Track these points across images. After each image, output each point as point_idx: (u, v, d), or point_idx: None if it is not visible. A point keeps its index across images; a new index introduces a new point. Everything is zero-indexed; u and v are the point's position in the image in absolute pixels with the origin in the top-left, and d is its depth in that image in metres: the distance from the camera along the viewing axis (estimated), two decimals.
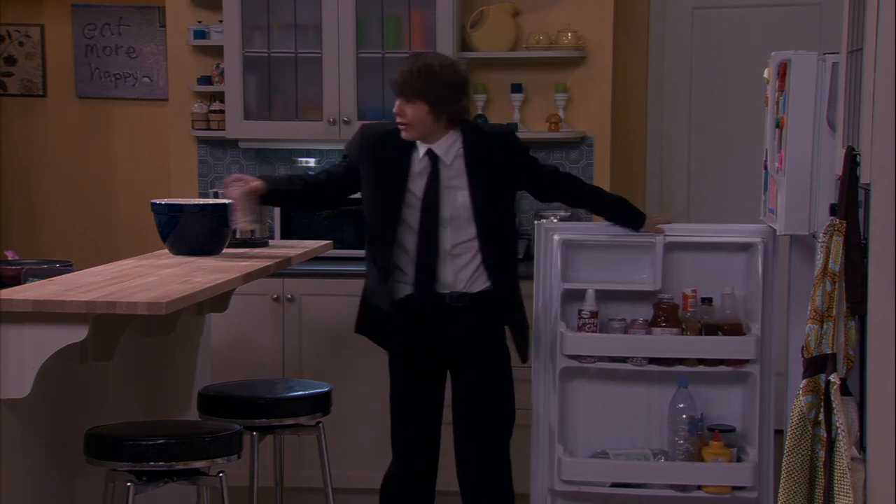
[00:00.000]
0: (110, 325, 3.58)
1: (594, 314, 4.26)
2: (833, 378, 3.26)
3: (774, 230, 4.15)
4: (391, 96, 5.47)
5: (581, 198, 4.36)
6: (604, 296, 4.37)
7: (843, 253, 3.24)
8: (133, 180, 6.58)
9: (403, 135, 4.03)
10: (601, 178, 5.74)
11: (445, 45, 5.45)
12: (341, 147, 5.71)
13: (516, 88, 5.70)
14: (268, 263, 4.17)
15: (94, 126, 6.62)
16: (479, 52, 5.66)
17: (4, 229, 6.59)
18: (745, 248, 4.37)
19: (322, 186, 4.21)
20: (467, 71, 4.12)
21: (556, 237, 4.32)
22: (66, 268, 4.22)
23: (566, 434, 4.41)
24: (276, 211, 5.54)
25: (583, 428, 4.46)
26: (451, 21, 5.45)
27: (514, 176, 4.14)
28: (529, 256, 5.32)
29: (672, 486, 4.33)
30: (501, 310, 4.13)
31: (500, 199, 4.11)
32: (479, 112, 5.73)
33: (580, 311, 4.31)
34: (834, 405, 3.25)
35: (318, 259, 5.03)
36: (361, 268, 5.29)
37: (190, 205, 4.26)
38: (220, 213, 4.26)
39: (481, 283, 4.08)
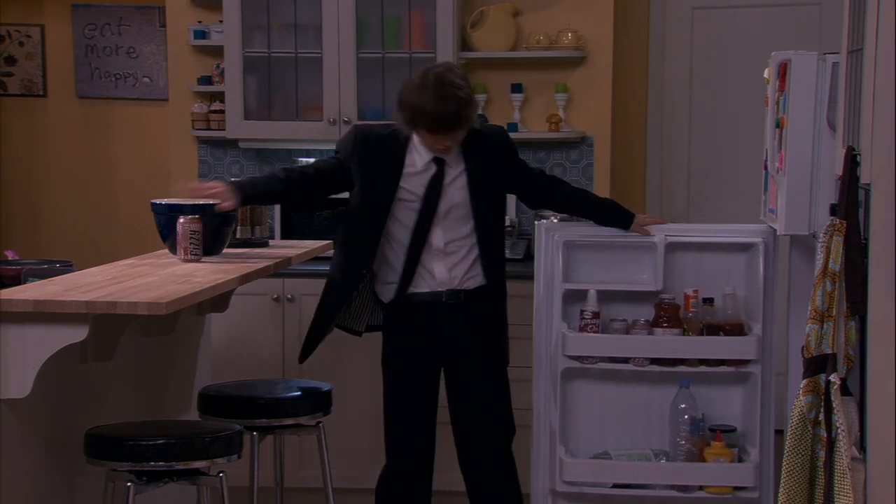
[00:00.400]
0: (110, 325, 3.58)
1: (596, 314, 4.26)
2: (833, 378, 3.26)
3: (775, 230, 4.15)
4: (391, 96, 5.51)
5: (570, 201, 4.32)
6: (605, 296, 4.37)
7: (843, 253, 3.24)
8: (133, 180, 6.58)
9: (441, 155, 4.02)
10: (601, 178, 5.74)
11: (445, 44, 5.45)
12: None
13: (516, 88, 5.70)
14: (268, 263, 4.17)
15: (94, 126, 6.62)
16: (479, 52, 5.66)
17: (4, 229, 6.59)
18: (746, 248, 4.37)
19: (307, 181, 4.17)
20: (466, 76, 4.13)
21: (557, 238, 4.32)
22: (66, 268, 4.22)
23: (567, 435, 4.40)
24: (276, 211, 5.54)
25: (584, 428, 4.46)
26: (451, 21, 5.45)
27: (508, 175, 4.16)
28: (529, 256, 5.32)
29: (673, 487, 4.33)
30: (494, 306, 4.16)
31: (495, 197, 4.14)
32: (480, 112, 5.72)
33: (582, 311, 4.31)
34: (834, 405, 3.24)
35: (318, 259, 5.02)
36: None
37: (190, 205, 4.25)
38: (220, 213, 4.26)
39: (476, 281, 4.09)
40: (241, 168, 5.87)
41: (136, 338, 4.07)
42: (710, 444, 4.31)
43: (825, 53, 3.85)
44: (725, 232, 4.40)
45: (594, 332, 4.26)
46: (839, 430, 3.20)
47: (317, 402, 4.21)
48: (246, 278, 3.91)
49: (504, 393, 4.19)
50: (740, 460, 4.32)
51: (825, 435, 3.29)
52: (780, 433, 4.01)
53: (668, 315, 4.29)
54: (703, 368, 4.32)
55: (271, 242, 4.86)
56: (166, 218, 4.19)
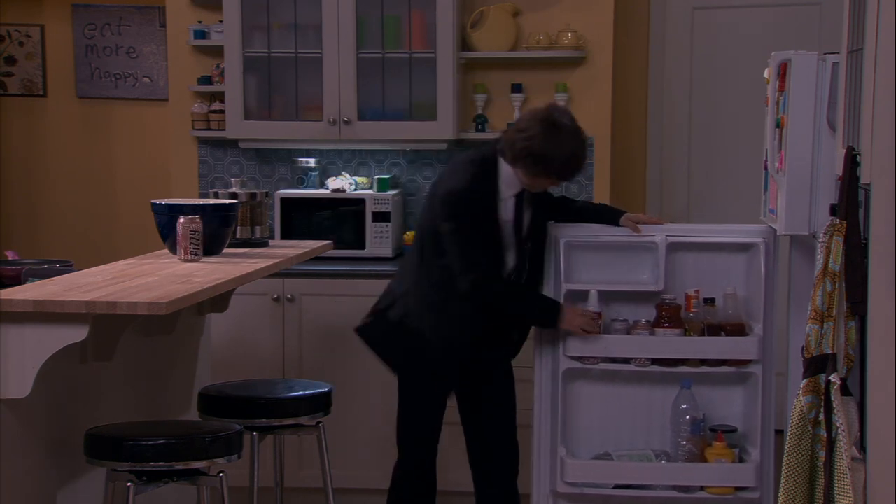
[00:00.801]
0: (110, 325, 3.58)
1: (598, 315, 4.26)
2: (833, 378, 3.26)
3: (775, 230, 4.14)
4: (391, 96, 5.54)
5: (570, 214, 4.40)
6: (606, 296, 4.36)
7: (843, 253, 3.24)
8: (133, 180, 6.58)
9: (537, 190, 4.15)
10: (601, 178, 5.74)
11: (445, 45, 5.45)
12: (341, 147, 5.74)
13: (516, 88, 5.70)
14: (268, 263, 4.17)
15: (94, 126, 6.62)
16: (479, 52, 5.66)
17: (4, 229, 6.59)
18: (746, 248, 4.37)
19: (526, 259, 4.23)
20: None
21: (559, 238, 4.32)
22: (66, 268, 4.22)
23: (568, 435, 4.40)
24: (277, 211, 5.54)
25: (585, 429, 4.45)
26: (451, 21, 5.45)
27: (549, 198, 4.31)
28: None
29: (675, 487, 4.32)
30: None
31: (544, 224, 4.29)
32: (479, 112, 5.73)
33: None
34: (834, 405, 3.24)
35: (318, 259, 5.03)
36: (361, 268, 5.31)
37: (190, 205, 4.26)
38: (220, 213, 4.26)
39: None
40: (241, 168, 5.87)
41: (136, 338, 4.07)
42: (711, 444, 4.31)
43: (825, 53, 3.85)
44: (726, 232, 4.40)
45: (596, 332, 4.26)
46: (839, 430, 3.20)
47: (317, 402, 4.21)
48: (246, 278, 3.92)
49: (514, 396, 4.31)
50: (741, 460, 4.32)
51: (825, 435, 3.29)
52: (780, 433, 4.00)
53: (669, 315, 4.29)
54: (704, 369, 4.31)
55: (271, 242, 4.87)
56: (166, 218, 4.19)
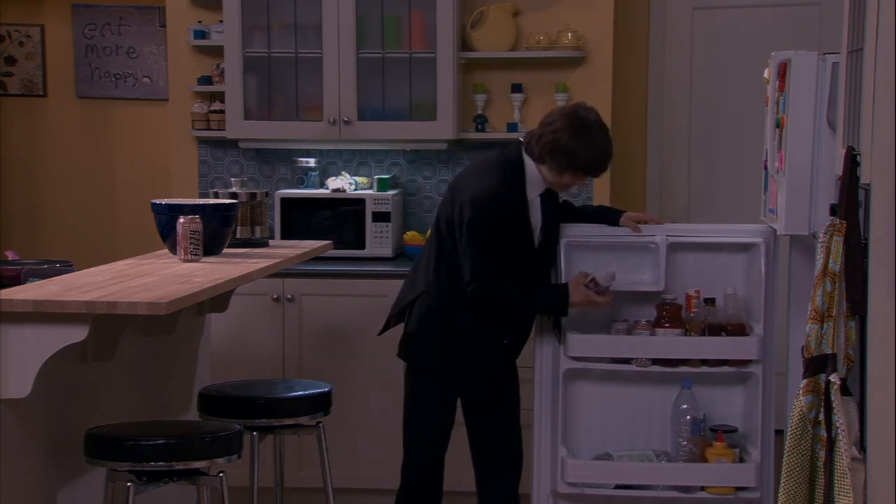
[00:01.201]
0: (110, 325, 3.58)
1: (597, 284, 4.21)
2: (833, 378, 3.26)
3: (775, 230, 4.14)
4: (391, 96, 5.54)
5: (569, 215, 4.40)
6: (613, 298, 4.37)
7: (843, 253, 3.24)
8: (133, 180, 6.58)
9: (562, 191, 4.20)
10: (601, 178, 5.72)
11: (445, 45, 5.45)
12: (341, 147, 5.74)
13: (516, 88, 5.70)
14: (268, 263, 4.17)
15: (94, 126, 6.62)
16: (479, 52, 5.66)
17: (4, 229, 6.59)
18: (746, 248, 4.37)
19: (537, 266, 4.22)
20: None
21: (561, 239, 4.31)
22: (66, 268, 4.22)
23: (568, 435, 4.40)
24: (277, 211, 5.54)
25: (585, 429, 4.44)
26: (451, 21, 5.45)
27: (555, 204, 4.29)
28: None
29: (675, 487, 4.32)
30: None
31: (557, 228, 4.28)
32: (479, 112, 5.73)
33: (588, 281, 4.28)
34: (834, 405, 3.24)
35: (318, 259, 5.02)
36: (361, 268, 5.31)
37: (190, 205, 4.26)
38: (220, 213, 4.26)
39: None
40: (241, 168, 5.87)
41: (136, 338, 4.07)
42: (711, 444, 4.31)
43: (825, 53, 3.85)
44: (726, 232, 4.40)
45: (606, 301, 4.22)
46: (839, 430, 3.20)
47: (317, 402, 4.21)
48: (246, 278, 3.91)
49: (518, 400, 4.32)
50: (741, 460, 4.32)
51: (825, 435, 3.29)
52: (780, 433, 4.00)
53: (670, 315, 4.28)
54: (704, 369, 4.31)
55: (271, 242, 4.87)
56: (166, 218, 4.19)
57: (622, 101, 6.00)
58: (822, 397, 3.30)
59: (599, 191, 5.73)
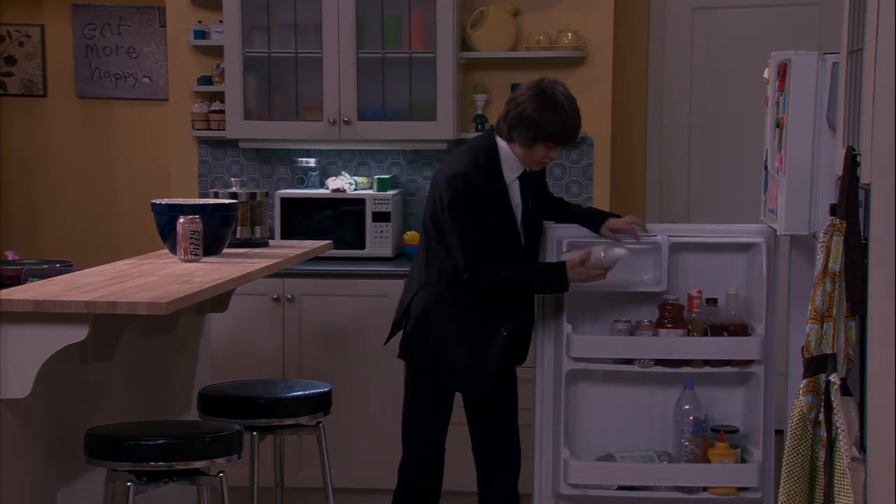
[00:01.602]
0: (110, 325, 3.58)
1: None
2: (833, 378, 3.26)
3: (775, 230, 4.14)
4: (391, 96, 5.54)
5: (558, 212, 4.39)
6: (608, 297, 4.36)
7: (843, 253, 3.24)
8: (133, 180, 6.58)
9: (534, 169, 4.13)
10: (601, 178, 5.74)
11: (445, 44, 5.45)
12: (341, 147, 5.75)
13: (516, 88, 5.69)
14: (268, 263, 4.16)
15: (94, 126, 6.62)
16: (479, 52, 5.66)
17: (4, 229, 6.59)
18: (747, 248, 4.36)
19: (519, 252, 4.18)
20: None
21: (563, 240, 4.29)
22: (66, 268, 4.22)
23: (570, 437, 4.38)
24: (277, 211, 5.54)
25: (587, 430, 4.43)
26: (451, 21, 5.45)
27: (546, 192, 4.30)
28: None
29: (678, 488, 4.31)
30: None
31: (544, 213, 4.26)
32: (480, 112, 5.73)
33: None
34: (834, 405, 3.24)
35: (318, 259, 5.02)
36: (361, 268, 5.31)
37: (190, 205, 4.26)
38: (220, 213, 4.26)
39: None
40: (241, 168, 5.87)
41: (136, 338, 4.07)
42: (713, 444, 4.30)
43: (825, 53, 3.85)
44: (728, 232, 4.39)
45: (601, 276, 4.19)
46: (839, 430, 3.20)
47: (317, 402, 4.21)
48: (246, 278, 3.91)
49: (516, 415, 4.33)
50: (743, 461, 4.31)
51: (825, 435, 3.29)
52: (780, 433, 4.00)
53: (672, 316, 4.28)
54: (707, 369, 4.30)
55: (271, 242, 4.86)
56: (166, 218, 4.19)
57: (622, 101, 6.00)
58: (822, 397, 3.30)
59: (599, 190, 5.74)
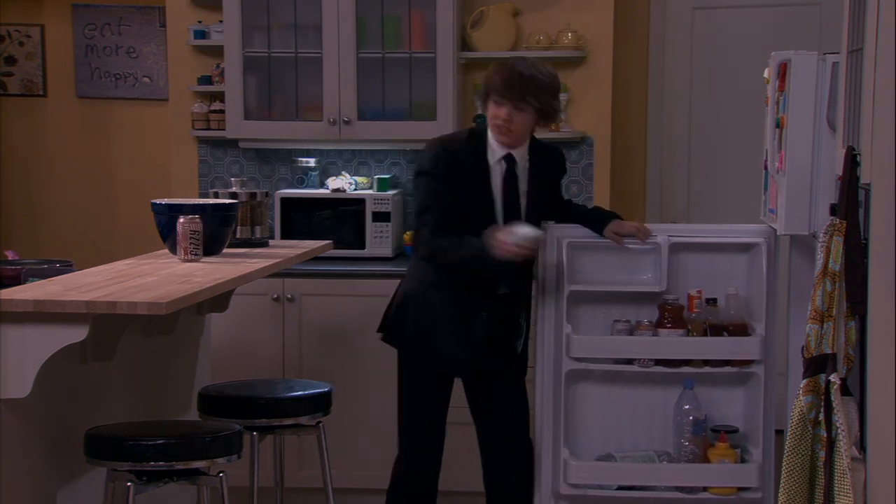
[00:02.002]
0: (110, 325, 3.58)
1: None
2: (833, 378, 3.26)
3: (775, 230, 4.14)
4: (391, 96, 5.53)
5: (568, 215, 4.38)
6: (607, 297, 4.36)
7: (843, 253, 3.24)
8: (133, 180, 6.58)
9: (502, 140, 4.07)
10: (601, 178, 5.74)
11: (445, 44, 5.45)
12: (341, 147, 5.75)
13: None
14: (268, 263, 4.17)
15: (94, 126, 6.62)
16: (479, 52, 5.66)
17: (4, 229, 6.59)
18: (747, 248, 4.36)
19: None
20: (558, 76, 4.17)
21: (563, 240, 4.29)
22: (66, 268, 4.22)
23: (570, 437, 4.38)
24: (277, 211, 5.54)
25: (587, 430, 4.43)
26: (451, 21, 5.45)
27: (553, 194, 4.28)
28: None
29: (678, 488, 4.31)
30: (518, 313, 4.22)
31: (546, 210, 4.23)
32: (480, 112, 5.72)
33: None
34: (834, 405, 3.24)
35: (318, 259, 5.02)
36: (361, 268, 5.31)
37: (190, 205, 4.26)
38: (220, 213, 4.26)
39: (514, 285, 4.17)
40: (241, 168, 5.87)
41: (136, 338, 4.07)
42: (713, 444, 4.30)
43: (825, 53, 3.85)
44: (728, 232, 4.39)
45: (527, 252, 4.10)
46: (839, 430, 3.20)
47: (317, 402, 4.21)
48: (246, 278, 3.91)
49: (526, 403, 4.28)
50: (742, 461, 4.31)
51: (825, 435, 3.29)
52: (780, 433, 4.00)
53: (672, 316, 4.28)
54: (707, 369, 4.30)
55: (271, 242, 4.86)
56: (166, 218, 4.19)
57: (622, 101, 6.00)
58: (822, 397, 3.30)
59: (599, 190, 5.74)
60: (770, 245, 4.28)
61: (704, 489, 4.32)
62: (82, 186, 6.63)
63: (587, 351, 4.29)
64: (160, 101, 6.45)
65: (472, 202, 4.06)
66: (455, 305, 4.10)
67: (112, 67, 6.57)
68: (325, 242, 4.94)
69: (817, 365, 3.31)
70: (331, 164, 5.84)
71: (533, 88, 3.98)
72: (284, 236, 5.52)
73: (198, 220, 4.10)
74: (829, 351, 3.29)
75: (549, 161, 4.22)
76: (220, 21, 5.64)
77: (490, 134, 4.09)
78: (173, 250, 4.18)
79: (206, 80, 5.80)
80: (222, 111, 5.71)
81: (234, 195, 4.69)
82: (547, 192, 4.23)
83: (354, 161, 5.85)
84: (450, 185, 4.03)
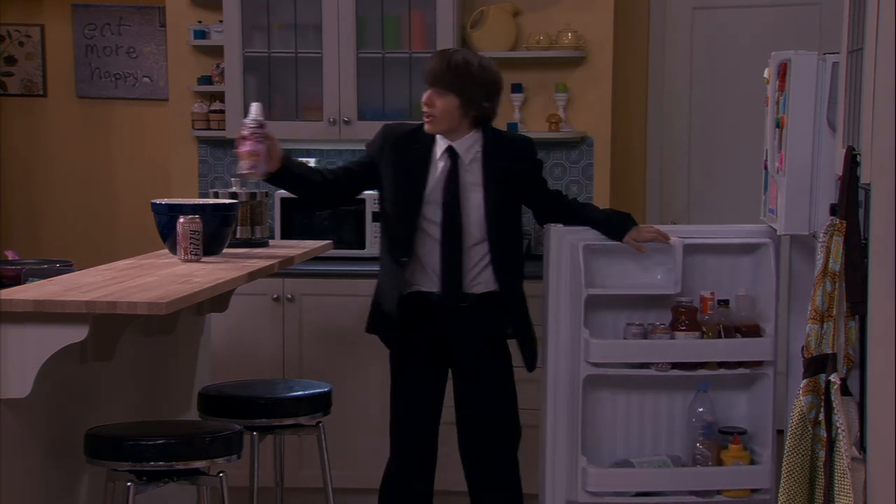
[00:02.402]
0: (110, 325, 3.58)
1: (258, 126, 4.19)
2: (833, 378, 3.26)
3: (775, 230, 4.14)
4: (391, 96, 5.53)
5: (578, 217, 4.31)
6: (618, 300, 4.33)
7: (843, 253, 3.24)
8: (133, 180, 6.58)
9: (427, 127, 4.07)
10: (601, 178, 5.74)
11: (445, 44, 5.44)
12: (341, 147, 5.75)
13: (516, 88, 5.70)
14: (268, 263, 4.16)
15: (94, 126, 6.62)
16: (479, 52, 5.65)
17: (4, 229, 6.59)
18: (753, 248, 4.34)
19: (338, 181, 4.24)
20: (500, 73, 4.13)
21: (579, 243, 4.23)
22: (66, 268, 4.22)
23: (587, 443, 4.32)
24: (277, 211, 5.54)
25: (600, 436, 4.39)
26: (451, 21, 5.45)
27: (525, 186, 4.17)
28: (528, 257, 5.32)
29: (693, 493, 4.26)
30: (504, 314, 4.14)
31: (511, 205, 4.13)
32: None
33: None
34: (834, 405, 3.25)
35: (318, 259, 5.02)
36: (361, 268, 5.32)
37: (190, 205, 4.26)
38: (220, 213, 4.26)
39: (486, 286, 4.09)
40: None
41: (136, 338, 4.07)
42: (725, 447, 4.27)
43: (825, 53, 3.85)
44: (735, 233, 4.37)
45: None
46: (839, 430, 3.20)
47: (317, 402, 4.21)
48: (246, 278, 3.91)
49: (511, 398, 4.19)
50: (752, 462, 4.30)
51: (825, 435, 3.29)
52: (780, 433, 4.00)
53: (687, 318, 4.24)
54: (722, 371, 4.26)
55: (271, 242, 4.86)
56: (166, 218, 4.19)
57: (622, 101, 6.00)
58: (822, 397, 3.31)
59: (599, 190, 5.74)
60: (777, 245, 4.27)
61: (718, 492, 4.29)
62: (82, 186, 6.63)
63: (606, 355, 4.24)
64: (160, 101, 6.45)
65: (401, 189, 4.08)
66: (384, 271, 4.20)
67: (112, 67, 6.57)
68: (325, 242, 4.94)
69: (817, 365, 3.31)
70: (331, 164, 5.84)
71: (458, 75, 4.00)
72: (284, 236, 5.52)
73: (198, 220, 4.10)
74: (829, 351, 3.29)
75: (510, 152, 4.12)
76: (220, 21, 5.64)
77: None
78: (173, 250, 4.18)
79: (206, 80, 5.80)
80: (222, 111, 5.71)
81: (234, 195, 4.69)
82: (510, 185, 4.10)
83: None
84: (378, 167, 4.15)
